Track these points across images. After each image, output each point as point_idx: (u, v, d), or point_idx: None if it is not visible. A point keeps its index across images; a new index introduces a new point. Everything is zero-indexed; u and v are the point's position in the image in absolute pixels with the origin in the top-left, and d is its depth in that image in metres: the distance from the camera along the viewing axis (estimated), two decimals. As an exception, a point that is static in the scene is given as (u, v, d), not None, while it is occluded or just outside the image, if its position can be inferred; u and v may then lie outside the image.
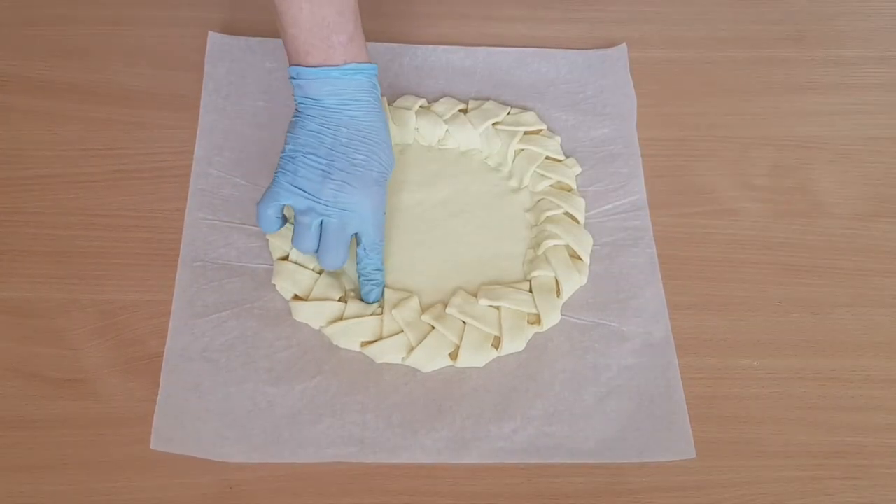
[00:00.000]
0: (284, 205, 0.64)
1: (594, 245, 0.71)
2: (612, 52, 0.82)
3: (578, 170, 0.75)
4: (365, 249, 0.65)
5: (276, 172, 0.63)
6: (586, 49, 0.83)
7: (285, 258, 0.68)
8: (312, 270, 0.67)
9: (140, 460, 0.60)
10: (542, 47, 0.83)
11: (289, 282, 0.66)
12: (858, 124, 0.80)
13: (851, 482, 0.63)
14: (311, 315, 0.66)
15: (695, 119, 0.79)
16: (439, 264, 0.69)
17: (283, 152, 0.63)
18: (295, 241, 0.64)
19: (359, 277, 0.67)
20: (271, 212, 0.64)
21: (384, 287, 0.67)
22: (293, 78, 0.62)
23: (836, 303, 0.70)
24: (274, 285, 0.67)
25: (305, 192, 0.62)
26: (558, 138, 0.76)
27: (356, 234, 0.64)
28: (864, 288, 0.71)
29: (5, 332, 0.65)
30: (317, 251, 0.64)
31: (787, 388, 0.66)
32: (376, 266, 0.66)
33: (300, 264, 0.67)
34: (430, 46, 0.82)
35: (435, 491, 0.61)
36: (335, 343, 0.65)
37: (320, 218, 0.62)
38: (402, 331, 0.65)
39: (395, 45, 0.81)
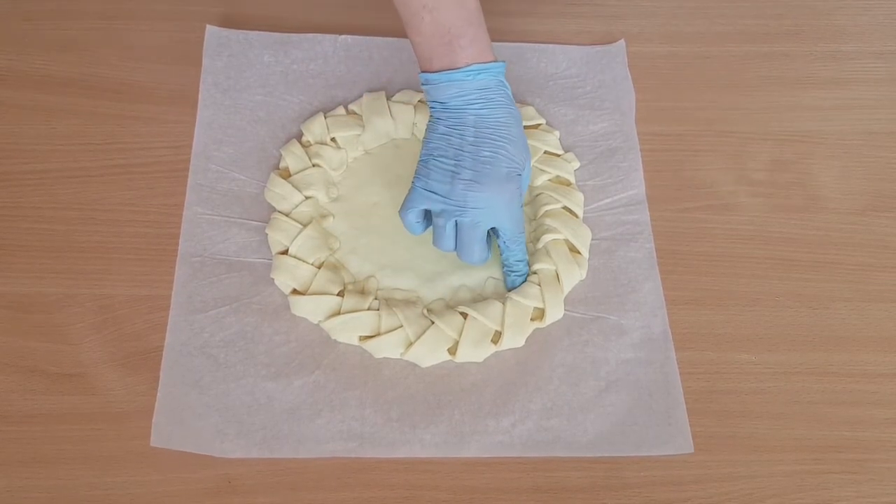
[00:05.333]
0: (424, 209, 0.64)
1: (593, 239, 0.71)
2: (611, 48, 0.82)
3: (577, 164, 0.75)
4: (505, 242, 0.65)
5: (413, 178, 0.64)
6: (585, 45, 0.82)
7: (284, 252, 0.68)
8: (311, 265, 0.67)
9: (139, 455, 0.61)
10: (541, 42, 0.82)
11: (287, 276, 0.66)
12: (857, 119, 0.80)
13: (849, 476, 0.63)
14: (309, 309, 0.66)
15: (693, 114, 0.79)
16: (437, 260, 0.69)
17: (420, 158, 0.64)
18: (434, 241, 0.65)
19: (503, 268, 0.68)
20: (412, 217, 0.65)
21: (527, 276, 0.68)
22: (423, 84, 0.63)
23: (834, 297, 0.70)
24: (273, 280, 0.67)
25: (437, 194, 0.62)
26: (557, 133, 0.76)
27: (494, 228, 0.65)
28: (862, 283, 0.71)
29: (4, 326, 0.65)
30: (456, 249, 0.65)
31: (784, 383, 0.66)
32: (518, 257, 0.66)
33: (299, 259, 0.67)
34: None
35: (433, 485, 0.61)
36: (333, 337, 0.65)
37: (453, 218, 0.63)
38: (401, 325, 0.65)
39: (394, 39, 0.81)
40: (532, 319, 0.66)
